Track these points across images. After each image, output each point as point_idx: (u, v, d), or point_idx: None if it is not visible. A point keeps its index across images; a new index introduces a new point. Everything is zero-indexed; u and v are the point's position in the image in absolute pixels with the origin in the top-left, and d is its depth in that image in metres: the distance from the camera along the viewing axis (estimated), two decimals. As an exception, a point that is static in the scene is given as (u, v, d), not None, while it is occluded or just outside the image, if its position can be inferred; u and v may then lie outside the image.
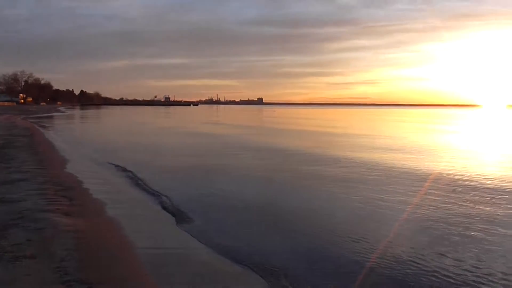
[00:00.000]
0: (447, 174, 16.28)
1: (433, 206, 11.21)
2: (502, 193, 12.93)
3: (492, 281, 6.67)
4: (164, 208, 11.12)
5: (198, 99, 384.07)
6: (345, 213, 10.74)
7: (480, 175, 15.98)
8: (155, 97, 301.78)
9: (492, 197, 12.31)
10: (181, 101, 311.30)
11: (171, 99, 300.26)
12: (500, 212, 10.62)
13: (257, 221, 10.13)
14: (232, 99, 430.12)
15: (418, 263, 7.42)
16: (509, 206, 11.31)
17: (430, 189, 13.39)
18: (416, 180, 15.07)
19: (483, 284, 6.60)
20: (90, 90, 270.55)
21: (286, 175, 16.34)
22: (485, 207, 11.14)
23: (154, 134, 38.72)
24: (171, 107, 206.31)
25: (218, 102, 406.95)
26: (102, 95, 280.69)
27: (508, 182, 14.81)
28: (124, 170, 16.87)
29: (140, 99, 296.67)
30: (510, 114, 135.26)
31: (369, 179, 15.35)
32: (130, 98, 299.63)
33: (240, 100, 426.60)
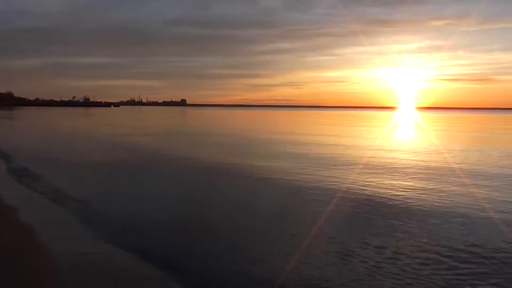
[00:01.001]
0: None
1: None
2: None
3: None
4: (77, 213, 10.95)
5: (120, 100, 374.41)
6: (264, 213, 11.11)
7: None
8: (74, 97, 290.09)
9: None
10: (102, 102, 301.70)
11: (91, 100, 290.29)
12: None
13: (177, 225, 10.16)
14: (154, 100, 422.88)
15: (340, 258, 7.87)
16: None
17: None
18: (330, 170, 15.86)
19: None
20: (1, 89, 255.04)
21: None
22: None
23: (68, 139, 37.48)
24: (91, 108, 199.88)
25: (140, 103, 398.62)
26: (16, 95, 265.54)
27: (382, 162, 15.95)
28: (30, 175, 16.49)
29: (58, 99, 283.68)
30: (415, 115, 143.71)
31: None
32: (46, 98, 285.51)
33: (163, 101, 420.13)
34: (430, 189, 14.39)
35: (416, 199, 12.78)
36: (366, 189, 14.12)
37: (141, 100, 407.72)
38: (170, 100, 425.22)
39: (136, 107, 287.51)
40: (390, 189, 14.27)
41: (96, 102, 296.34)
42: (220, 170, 18.44)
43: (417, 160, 21.59)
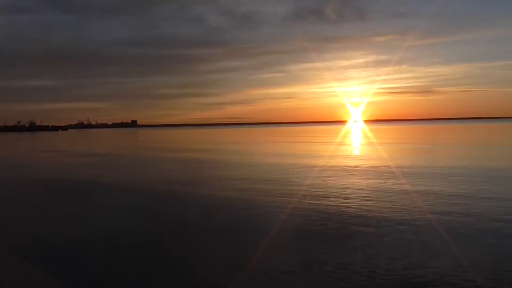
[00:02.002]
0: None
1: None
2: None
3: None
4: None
5: (68, 123, 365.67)
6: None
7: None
8: (19, 122, 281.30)
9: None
10: (49, 126, 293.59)
11: (37, 124, 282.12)
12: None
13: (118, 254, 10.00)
14: (104, 122, 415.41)
15: (295, 268, 8.14)
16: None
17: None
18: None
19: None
20: None
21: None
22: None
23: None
24: (37, 133, 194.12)
25: (89, 125, 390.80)
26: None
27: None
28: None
29: (1, 124, 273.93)
30: (364, 127, 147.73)
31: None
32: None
33: (113, 123, 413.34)
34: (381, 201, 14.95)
35: (368, 212, 13.21)
36: (317, 205, 14.39)
37: (90, 122, 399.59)
38: (120, 122, 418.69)
39: (85, 130, 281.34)
40: (339, 198, 14.72)
41: (43, 126, 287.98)
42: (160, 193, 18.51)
43: (367, 179, 22.18)
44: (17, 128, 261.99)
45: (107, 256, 8.85)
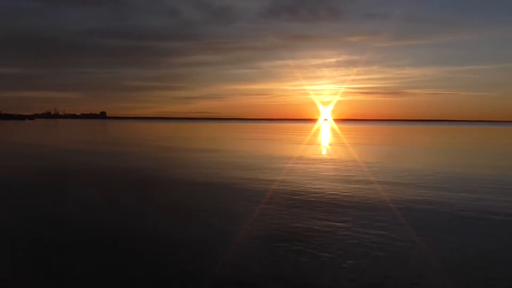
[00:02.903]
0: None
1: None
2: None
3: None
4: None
5: (34, 113, 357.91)
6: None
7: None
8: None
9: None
10: (15, 115, 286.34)
11: (2, 112, 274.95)
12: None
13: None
14: (72, 113, 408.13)
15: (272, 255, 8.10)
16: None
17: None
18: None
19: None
20: None
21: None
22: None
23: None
24: (1, 122, 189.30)
25: (56, 116, 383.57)
26: None
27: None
28: None
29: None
30: (334, 126, 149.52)
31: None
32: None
33: (82, 114, 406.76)
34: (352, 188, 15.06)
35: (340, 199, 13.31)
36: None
37: (58, 112, 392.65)
38: (89, 113, 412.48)
39: (52, 120, 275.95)
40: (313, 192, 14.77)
41: (8, 114, 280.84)
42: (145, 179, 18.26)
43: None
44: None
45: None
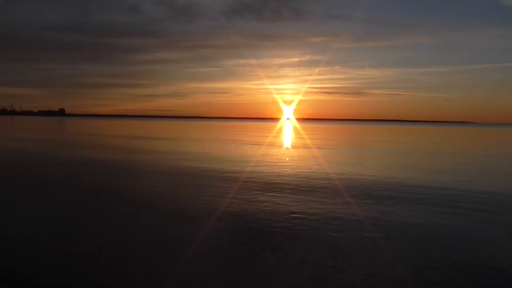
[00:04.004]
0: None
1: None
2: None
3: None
4: None
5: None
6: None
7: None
8: None
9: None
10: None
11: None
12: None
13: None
14: (29, 109, 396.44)
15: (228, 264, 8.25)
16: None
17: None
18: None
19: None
20: None
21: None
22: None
23: None
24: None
25: (12, 112, 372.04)
26: None
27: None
28: None
29: None
30: (296, 125, 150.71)
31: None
32: None
33: (39, 111, 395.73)
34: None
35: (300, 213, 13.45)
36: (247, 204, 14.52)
37: (14, 109, 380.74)
38: (47, 110, 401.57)
39: (8, 117, 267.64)
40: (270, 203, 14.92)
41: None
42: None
43: (297, 174, 22.50)
44: None
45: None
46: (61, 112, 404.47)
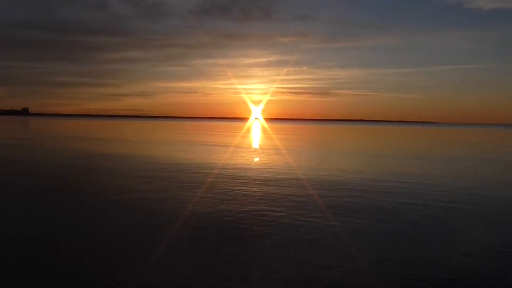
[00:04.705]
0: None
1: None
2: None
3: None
4: None
5: None
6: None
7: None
8: None
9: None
10: None
11: None
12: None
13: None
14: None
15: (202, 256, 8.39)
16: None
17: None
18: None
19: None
20: None
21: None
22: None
23: None
24: None
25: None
26: None
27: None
28: None
29: None
30: (264, 125, 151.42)
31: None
32: None
33: (1, 110, 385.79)
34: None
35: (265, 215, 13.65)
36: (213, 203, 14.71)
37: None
38: (9, 109, 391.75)
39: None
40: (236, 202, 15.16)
41: None
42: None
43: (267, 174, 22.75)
44: None
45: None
46: (24, 112, 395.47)
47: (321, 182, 18.23)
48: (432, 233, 10.36)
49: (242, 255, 8.48)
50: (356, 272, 7.66)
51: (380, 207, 13.30)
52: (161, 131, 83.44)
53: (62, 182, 17.14)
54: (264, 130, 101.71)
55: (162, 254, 8.52)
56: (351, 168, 23.49)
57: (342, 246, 9.17)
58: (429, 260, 8.34)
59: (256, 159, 28.13)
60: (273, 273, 7.56)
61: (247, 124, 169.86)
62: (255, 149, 39.53)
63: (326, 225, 10.81)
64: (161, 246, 9.02)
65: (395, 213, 12.52)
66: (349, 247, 9.09)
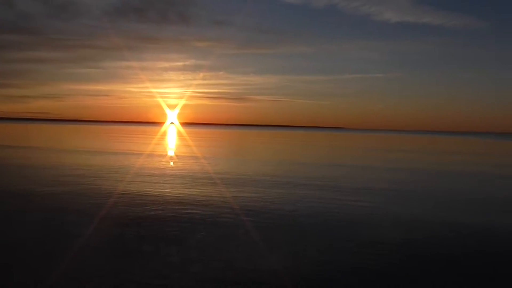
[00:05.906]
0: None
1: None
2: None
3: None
4: None
5: None
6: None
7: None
8: None
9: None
10: None
11: None
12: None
13: None
14: None
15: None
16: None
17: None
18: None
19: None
20: None
21: None
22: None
23: None
24: None
25: None
26: None
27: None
28: None
29: None
30: (180, 129, 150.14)
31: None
32: None
33: None
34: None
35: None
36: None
37: None
38: None
39: None
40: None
41: None
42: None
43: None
44: None
45: None
46: None
47: (235, 179, 18.85)
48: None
49: (162, 252, 8.65)
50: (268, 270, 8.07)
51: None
52: (65, 137, 76.53)
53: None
54: (180, 134, 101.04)
55: (73, 255, 8.40)
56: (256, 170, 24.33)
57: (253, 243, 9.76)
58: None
59: (172, 163, 28.30)
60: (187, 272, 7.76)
61: (163, 128, 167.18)
62: (172, 157, 39.45)
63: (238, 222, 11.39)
64: (73, 247, 8.89)
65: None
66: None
